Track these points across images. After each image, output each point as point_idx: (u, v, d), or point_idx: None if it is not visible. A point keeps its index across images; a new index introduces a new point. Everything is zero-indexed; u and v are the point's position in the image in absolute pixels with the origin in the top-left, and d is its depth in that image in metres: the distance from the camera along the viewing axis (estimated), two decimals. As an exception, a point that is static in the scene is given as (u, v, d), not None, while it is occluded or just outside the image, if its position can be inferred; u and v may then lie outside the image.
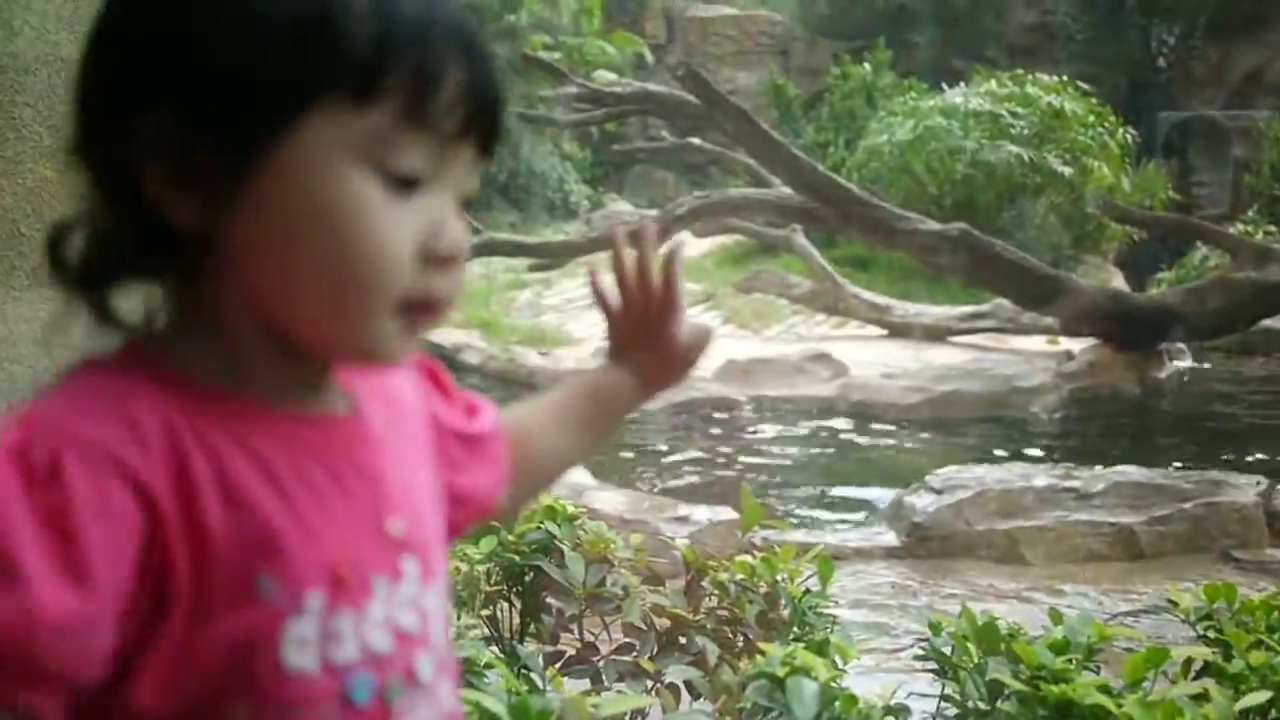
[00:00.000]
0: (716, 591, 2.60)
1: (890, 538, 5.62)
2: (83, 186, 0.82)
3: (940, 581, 5.18)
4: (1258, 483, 5.95)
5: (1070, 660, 2.10)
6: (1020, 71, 15.14)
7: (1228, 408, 9.08)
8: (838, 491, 6.66)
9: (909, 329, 10.45)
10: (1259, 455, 7.44)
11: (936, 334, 10.37)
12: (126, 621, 0.75)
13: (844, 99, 17.42)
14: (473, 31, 0.84)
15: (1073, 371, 9.04)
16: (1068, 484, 5.80)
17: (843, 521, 6.08)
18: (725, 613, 2.60)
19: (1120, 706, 1.83)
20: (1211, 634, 2.28)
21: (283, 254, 0.80)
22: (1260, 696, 1.89)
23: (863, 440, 7.81)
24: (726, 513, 5.34)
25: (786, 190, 9.87)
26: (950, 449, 7.53)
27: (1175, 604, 2.41)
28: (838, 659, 2.14)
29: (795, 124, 17.72)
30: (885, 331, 10.51)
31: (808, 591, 2.52)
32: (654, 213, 11.84)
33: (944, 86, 15.25)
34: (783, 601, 2.49)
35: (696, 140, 11.83)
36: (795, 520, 5.98)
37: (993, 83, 14.83)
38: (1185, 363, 9.74)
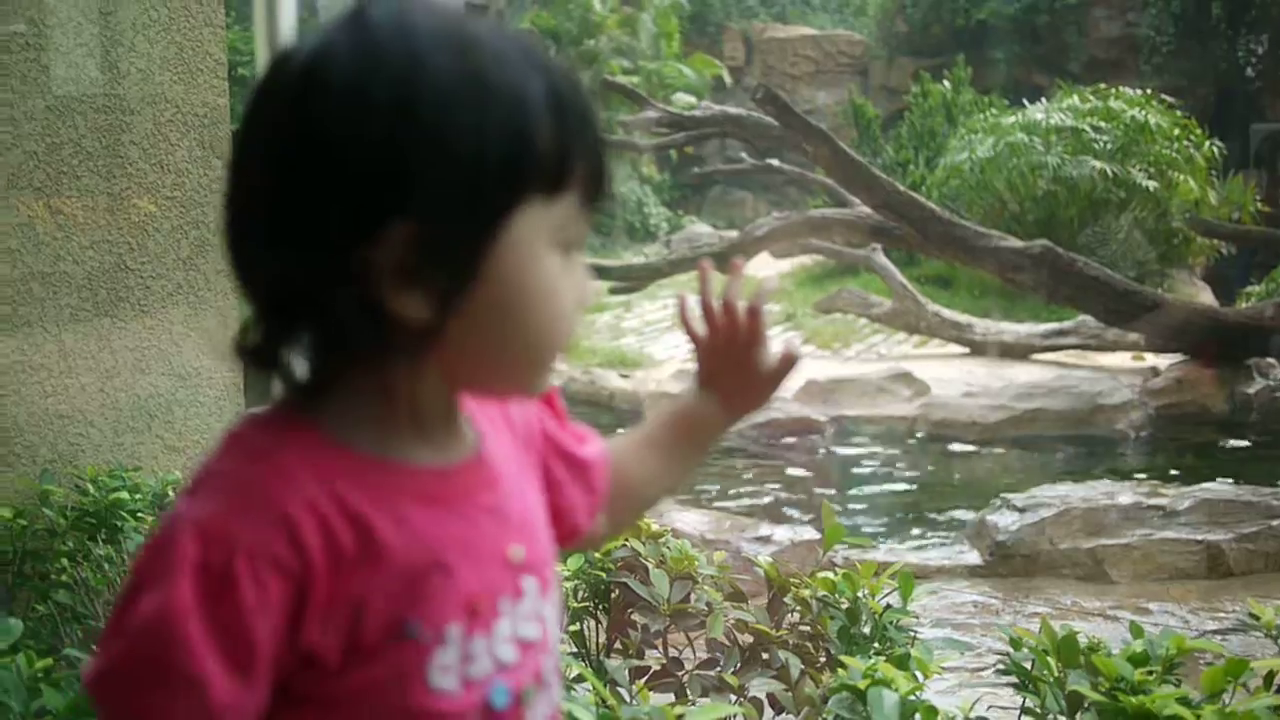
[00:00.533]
0: (799, 607, 2.65)
1: (973, 556, 5.62)
2: (285, 279, 0.88)
3: (1024, 600, 5.17)
4: (1349, 499, 5.87)
5: (1151, 673, 2.13)
6: (1103, 85, 15.01)
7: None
8: (921, 511, 6.66)
9: (990, 347, 10.39)
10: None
11: (1019, 351, 10.31)
12: (278, 680, 0.88)
13: (924, 117, 17.36)
14: (593, 104, 0.94)
15: (1159, 388, 8.94)
16: (1153, 501, 5.76)
17: (927, 541, 6.08)
18: (807, 628, 2.64)
19: (1199, 718, 1.85)
20: (1293, 647, 2.29)
21: (499, 330, 0.91)
22: (1339, 707, 1.91)
23: (945, 459, 7.79)
24: (808, 532, 5.39)
25: (865, 209, 9.88)
26: (1034, 467, 7.50)
27: (1257, 618, 2.42)
28: (919, 673, 2.18)
29: (875, 143, 17.68)
30: (967, 350, 10.46)
31: (889, 607, 2.56)
32: (733, 234, 11.88)
33: (1025, 103, 15.15)
34: (864, 617, 2.53)
35: (775, 161, 11.85)
36: (879, 540, 5.99)
37: (1075, 98, 14.70)
38: (1276, 377, 9.58)
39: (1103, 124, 14.00)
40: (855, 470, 7.60)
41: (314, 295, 0.87)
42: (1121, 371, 9.49)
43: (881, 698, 1.87)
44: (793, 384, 8.87)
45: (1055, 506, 5.71)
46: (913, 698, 2.01)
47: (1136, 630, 2.31)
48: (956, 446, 8.01)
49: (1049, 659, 2.18)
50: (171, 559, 0.84)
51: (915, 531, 6.28)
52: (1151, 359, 9.64)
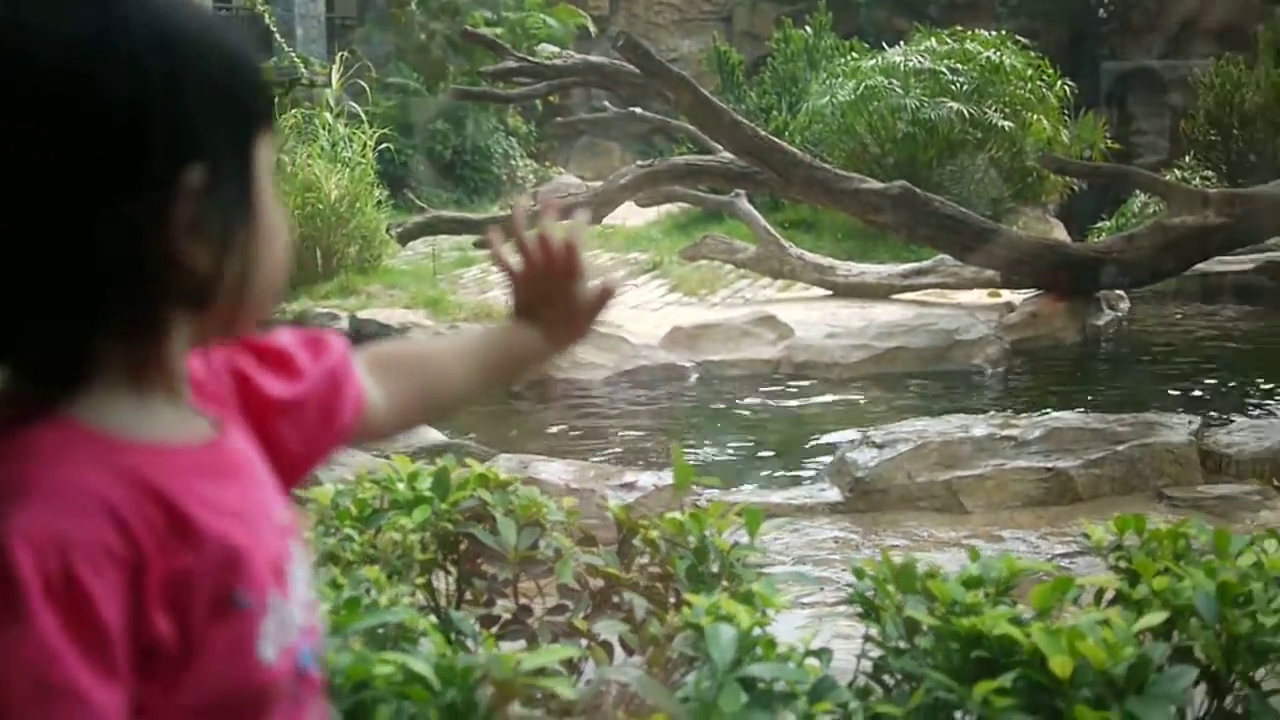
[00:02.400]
0: (648, 549, 2.66)
1: (834, 494, 5.70)
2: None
3: (882, 534, 5.27)
4: (1190, 422, 6.09)
5: (985, 595, 2.18)
6: (959, 28, 15.23)
7: (1163, 351, 9.23)
8: (784, 451, 6.74)
9: (853, 288, 10.53)
10: (1191, 395, 7.60)
11: (881, 292, 10.46)
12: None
13: (786, 62, 17.45)
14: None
15: (1013, 323, 9.16)
16: (1005, 432, 5.91)
17: (789, 480, 6.16)
18: (657, 569, 2.65)
19: (1027, 635, 1.90)
20: (1123, 564, 2.36)
21: (259, 264, 0.92)
22: (1158, 617, 1.97)
23: (809, 400, 7.89)
24: (671, 477, 5.41)
25: (729, 156, 9.91)
26: (895, 405, 7.63)
27: (1089, 537, 2.49)
28: (771, 610, 2.21)
29: (738, 89, 17.72)
30: (830, 292, 10.59)
31: (736, 544, 2.58)
32: (599, 184, 11.84)
33: (885, 47, 15.31)
34: (711, 555, 2.55)
35: (638, 110, 11.82)
36: (743, 481, 6.06)
37: (932, 40, 14.91)
38: (1123, 309, 9.89)
39: (959, 66, 14.22)
40: (721, 414, 7.66)
41: (81, 266, 0.83)
42: (978, 308, 9.69)
43: (718, 633, 1.88)
44: (658, 330, 8.91)
45: (912, 441, 5.82)
46: (755, 632, 2.03)
47: (974, 555, 2.36)
48: (819, 387, 8.11)
49: (889, 587, 2.21)
50: (12, 582, 0.79)
51: (778, 472, 6.36)
52: (1007, 295, 9.86)
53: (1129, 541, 2.40)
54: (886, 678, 2.21)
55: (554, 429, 7.32)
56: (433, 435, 5.98)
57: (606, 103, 12.54)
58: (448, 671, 1.76)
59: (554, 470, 5.47)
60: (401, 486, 2.71)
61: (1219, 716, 2.20)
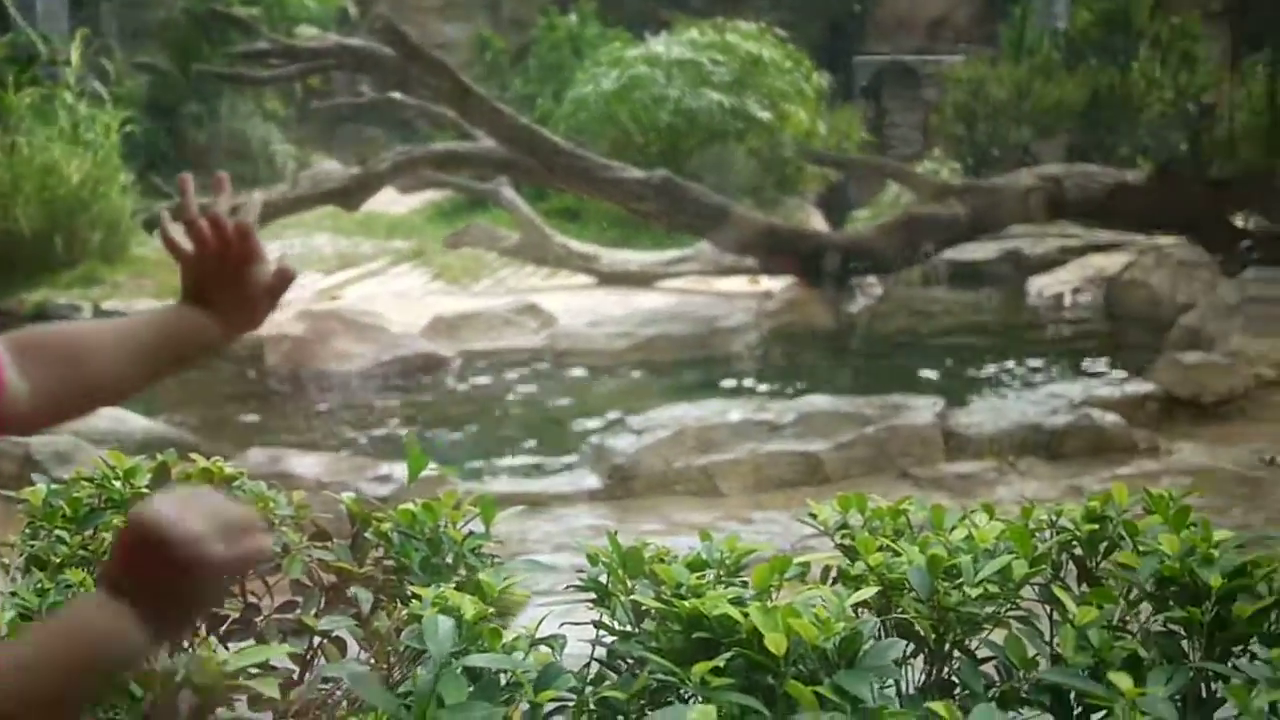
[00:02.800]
0: (382, 542, 2.59)
1: (592, 481, 5.72)
2: None
3: (639, 520, 5.31)
4: (934, 404, 6.33)
5: (716, 575, 2.19)
6: (720, 20, 15.50)
7: (912, 336, 9.60)
8: (544, 440, 6.73)
9: (617, 276, 10.61)
10: (937, 378, 7.92)
11: (644, 280, 10.56)
12: None
13: (551, 50, 17.46)
14: None
15: (772, 310, 9.38)
16: (760, 417, 6.04)
17: (549, 469, 6.15)
18: (392, 562, 2.59)
19: (746, 615, 1.91)
20: (847, 541, 2.41)
21: None
22: (869, 592, 2.02)
23: (570, 389, 7.90)
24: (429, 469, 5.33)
25: (491, 143, 9.84)
26: (656, 391, 7.71)
27: (815, 516, 2.54)
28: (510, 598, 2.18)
29: (503, 76, 17.65)
30: (595, 280, 10.64)
31: (471, 534, 2.54)
32: (357, 170, 11.58)
33: (649, 36, 15.47)
34: (445, 546, 2.50)
35: (397, 95, 11.61)
36: (499, 471, 6.02)
37: (694, 31, 15.14)
38: (876, 296, 10.24)
39: (720, 57, 14.48)
40: (482, 403, 7.60)
41: None
42: (739, 296, 9.89)
43: (436, 624, 1.83)
44: (418, 320, 8.78)
45: (670, 427, 5.88)
46: (480, 622, 2.00)
47: (705, 536, 2.38)
48: (582, 375, 8.14)
49: (619, 571, 2.21)
50: None
51: (538, 460, 6.34)
52: (766, 282, 10.09)
53: (853, 520, 2.46)
54: (621, 663, 2.21)
55: (308, 421, 7.14)
56: (159, 430, 5.74)
57: (364, 87, 12.28)
58: (145, 676, 1.67)
59: (307, 464, 5.34)
60: (118, 484, 2.57)
61: (937, 685, 2.27)
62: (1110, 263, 10.81)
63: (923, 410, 6.23)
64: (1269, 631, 2.11)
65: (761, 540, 4.93)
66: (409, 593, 2.38)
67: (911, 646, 2.27)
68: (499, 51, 18.13)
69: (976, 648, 2.32)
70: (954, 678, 2.26)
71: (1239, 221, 9.89)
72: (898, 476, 5.84)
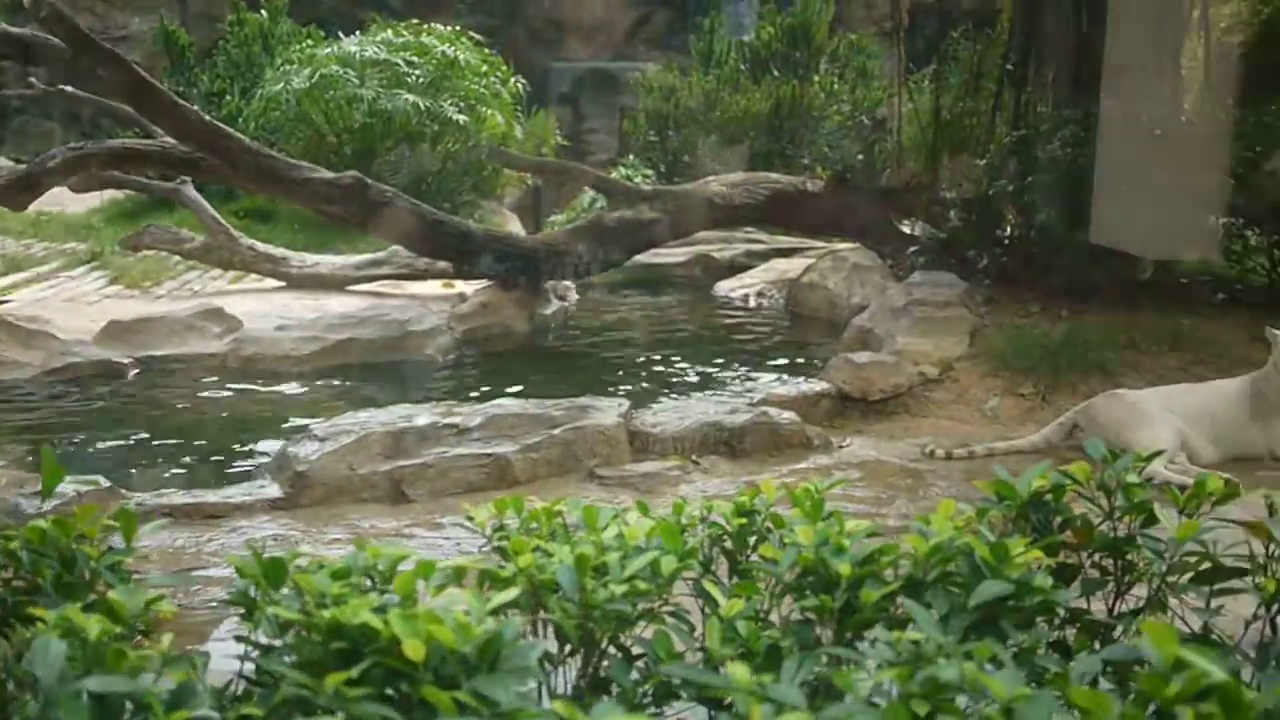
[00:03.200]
0: (9, 562, 2.43)
1: (274, 490, 5.55)
2: None
3: (324, 528, 5.18)
4: (619, 405, 6.44)
5: (373, 584, 2.16)
6: (416, 21, 15.36)
7: (603, 338, 9.76)
8: (225, 448, 6.49)
9: (308, 280, 10.34)
10: (626, 379, 8.06)
11: (335, 283, 10.34)
12: None
13: (240, 46, 16.88)
14: None
15: (465, 313, 9.35)
16: (448, 421, 5.99)
17: (228, 478, 5.92)
18: (22, 582, 2.43)
19: (386, 623, 1.89)
20: (504, 544, 2.41)
21: None
22: (511, 593, 2.02)
23: (255, 395, 7.65)
24: (102, 482, 5.06)
25: (171, 140, 9.42)
26: (345, 396, 7.55)
27: (472, 519, 2.53)
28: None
29: (190, 72, 16.94)
30: (284, 284, 10.34)
31: (110, 549, 2.41)
32: (22, 167, 10.87)
33: (342, 35, 15.17)
34: (80, 563, 2.37)
35: (69, 88, 10.96)
36: (176, 484, 5.77)
37: (389, 32, 14.94)
38: (572, 299, 10.35)
39: (416, 59, 14.34)
40: (159, 412, 7.26)
41: None
42: (432, 299, 9.81)
43: (48, 648, 1.73)
44: (92, 325, 8.31)
45: (355, 433, 5.77)
46: (104, 642, 1.90)
47: (359, 544, 2.34)
48: (267, 381, 7.89)
49: (262, 583, 2.14)
50: None
51: (217, 470, 6.11)
52: (461, 286, 10.05)
53: (509, 522, 2.47)
54: (267, 678, 2.14)
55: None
56: None
57: (32, 79, 11.55)
58: None
59: (-47, 479, 4.96)
60: None
61: (591, 683, 2.30)
62: (792, 266, 11.30)
63: (609, 411, 6.32)
64: (894, 615, 2.24)
65: (448, 546, 4.91)
66: (32, 615, 2.25)
67: (569, 646, 2.30)
68: (185, 46, 17.39)
69: (633, 644, 2.37)
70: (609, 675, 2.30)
71: (906, 228, 10.49)
72: (585, 477, 5.90)
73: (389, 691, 1.84)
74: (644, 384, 7.97)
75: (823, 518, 2.51)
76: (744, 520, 2.63)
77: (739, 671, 1.75)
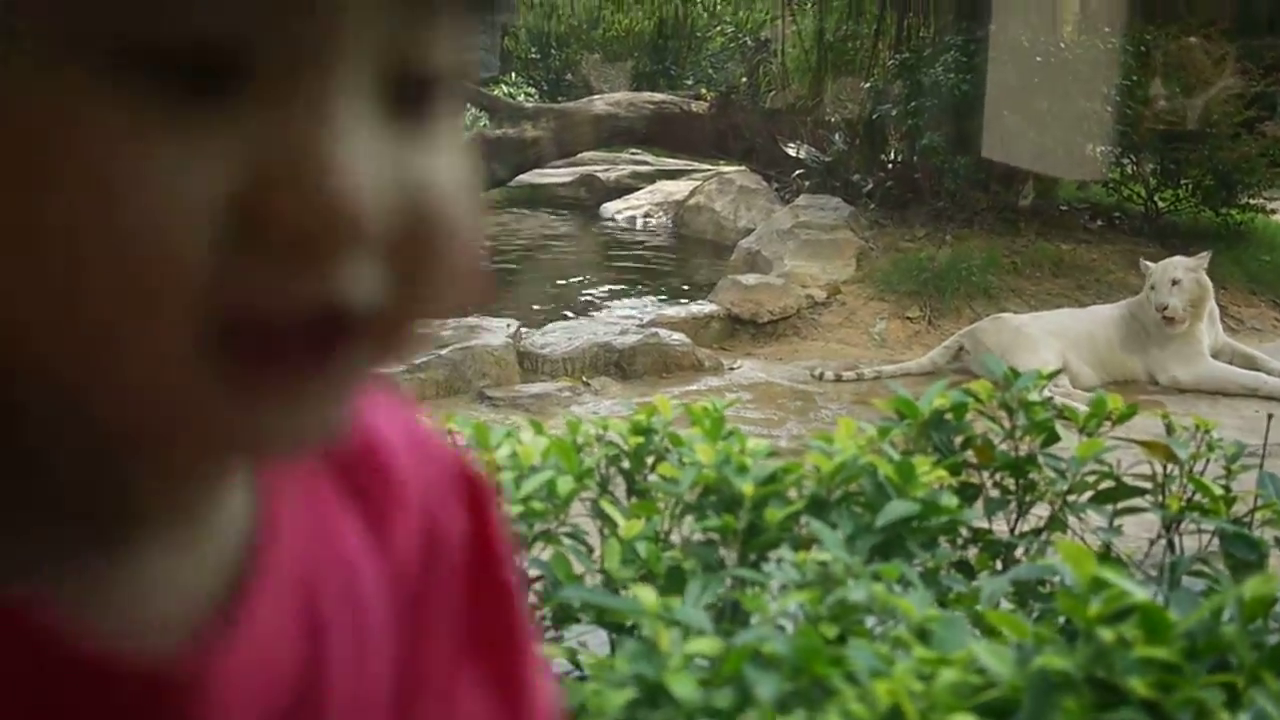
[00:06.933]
0: None
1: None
2: None
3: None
4: (509, 326, 6.34)
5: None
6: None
7: (497, 260, 9.60)
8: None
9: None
10: (514, 299, 7.94)
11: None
12: None
13: None
14: None
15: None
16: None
17: None
18: None
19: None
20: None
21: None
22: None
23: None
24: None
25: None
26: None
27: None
28: None
29: None
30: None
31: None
32: None
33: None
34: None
35: None
36: None
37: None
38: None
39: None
40: None
41: None
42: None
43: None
44: None
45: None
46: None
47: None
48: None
49: None
50: None
51: None
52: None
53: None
54: None
55: None
56: None
57: None
58: None
59: None
60: None
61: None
62: (679, 189, 11.22)
63: (498, 332, 6.22)
64: (798, 535, 2.19)
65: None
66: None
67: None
68: None
69: (529, 567, 2.29)
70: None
71: (792, 151, 10.47)
72: (475, 399, 5.81)
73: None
74: (532, 305, 7.86)
75: (722, 436, 2.45)
76: (641, 439, 2.55)
77: (645, 595, 1.68)
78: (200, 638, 0.44)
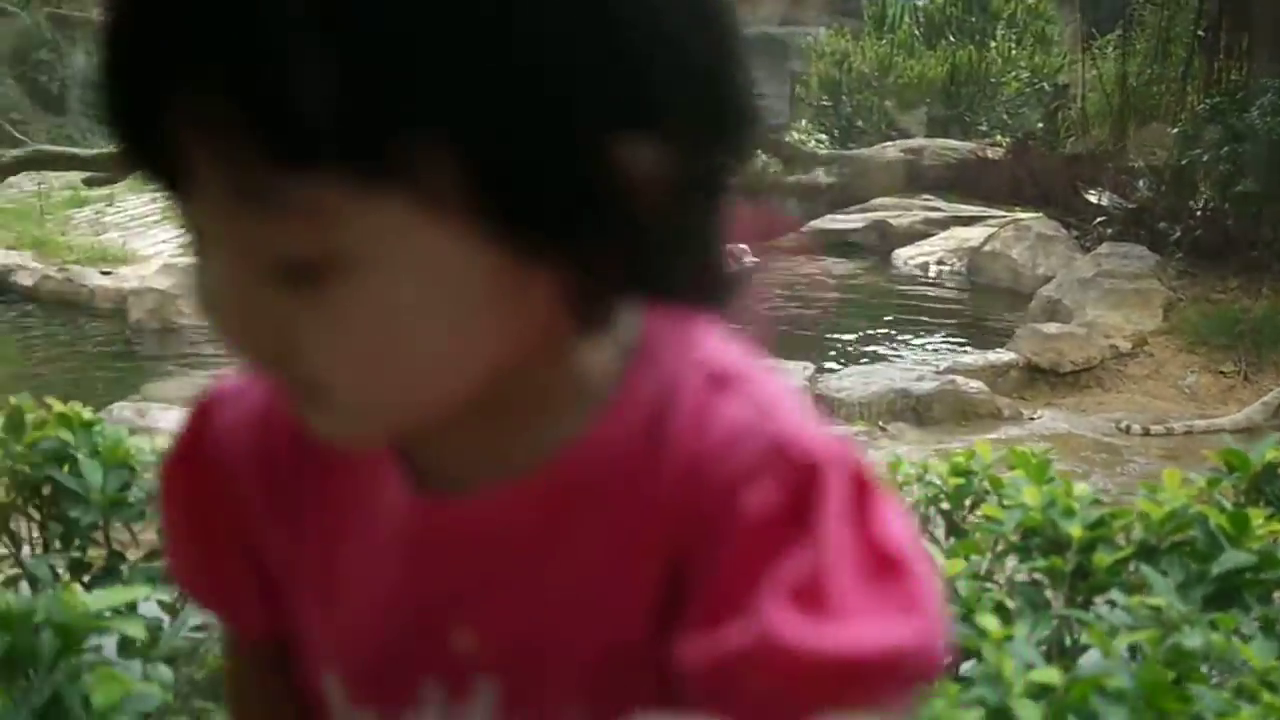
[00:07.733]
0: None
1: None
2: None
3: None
4: (805, 369, 6.40)
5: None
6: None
7: (785, 301, 9.68)
8: None
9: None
10: (809, 343, 8.00)
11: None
12: None
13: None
14: None
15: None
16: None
17: None
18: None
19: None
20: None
21: None
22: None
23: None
24: None
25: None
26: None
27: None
28: None
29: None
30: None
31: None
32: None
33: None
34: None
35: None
36: None
37: None
38: (749, 262, 10.30)
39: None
40: None
41: None
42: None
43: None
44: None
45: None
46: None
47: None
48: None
49: None
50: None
51: None
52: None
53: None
54: None
55: (174, 377, 6.94)
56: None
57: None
58: (2, 616, 1.61)
59: (171, 418, 5.18)
60: (-23, 432, 2.47)
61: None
62: (973, 235, 11.06)
63: (794, 375, 6.30)
64: (1127, 580, 2.19)
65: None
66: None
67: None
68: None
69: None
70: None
71: (1093, 198, 10.20)
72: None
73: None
74: (827, 349, 7.92)
75: (1046, 480, 2.47)
76: (961, 480, 2.60)
77: (989, 623, 1.73)
78: None
